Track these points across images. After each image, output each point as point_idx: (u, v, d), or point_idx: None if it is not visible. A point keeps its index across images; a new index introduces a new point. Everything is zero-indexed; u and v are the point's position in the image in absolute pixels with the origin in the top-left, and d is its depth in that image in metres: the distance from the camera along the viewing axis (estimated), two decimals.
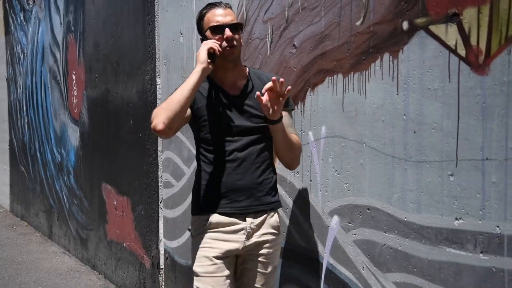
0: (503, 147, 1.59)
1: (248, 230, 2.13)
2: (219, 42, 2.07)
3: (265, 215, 2.16)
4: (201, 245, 2.14)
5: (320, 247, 2.31)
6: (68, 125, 5.50)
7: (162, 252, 3.69)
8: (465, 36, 1.68)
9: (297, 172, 2.43)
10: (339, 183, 2.21)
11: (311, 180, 2.36)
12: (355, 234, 2.13)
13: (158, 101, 3.62)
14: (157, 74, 3.63)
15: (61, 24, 5.58)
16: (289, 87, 2.05)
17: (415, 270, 1.88)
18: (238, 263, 2.20)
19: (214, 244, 2.12)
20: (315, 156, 2.33)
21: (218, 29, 2.08)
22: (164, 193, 3.64)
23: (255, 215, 2.14)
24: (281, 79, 1.98)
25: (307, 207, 2.37)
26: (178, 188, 3.44)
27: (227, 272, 2.12)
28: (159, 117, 2.00)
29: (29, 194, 6.97)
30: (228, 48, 2.08)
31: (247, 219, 2.13)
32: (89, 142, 4.94)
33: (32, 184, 6.87)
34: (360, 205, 2.11)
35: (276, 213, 2.20)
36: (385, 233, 2.00)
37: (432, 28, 1.79)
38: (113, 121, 4.38)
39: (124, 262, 4.30)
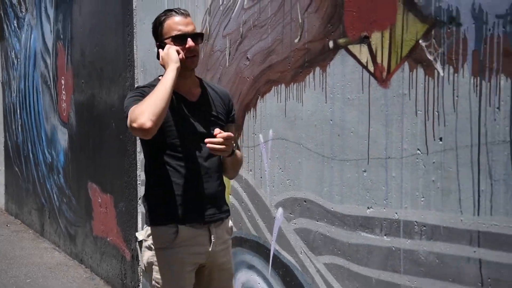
0: (399, 147, 1.92)
1: (213, 240, 2.12)
2: (181, 51, 2.05)
3: (223, 223, 2.18)
4: (167, 259, 2.08)
5: (268, 236, 2.64)
6: (57, 127, 5.82)
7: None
8: (373, 55, 2.02)
9: (251, 170, 2.75)
10: (282, 179, 2.54)
11: (261, 177, 2.68)
12: (295, 223, 2.46)
13: None
14: (135, 80, 3.95)
15: (51, 32, 5.90)
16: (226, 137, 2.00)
17: (339, 252, 2.21)
18: (205, 274, 2.18)
19: (182, 258, 2.08)
20: (264, 156, 2.65)
21: (180, 39, 2.05)
22: (142, 191, 3.96)
23: (215, 223, 2.15)
24: (222, 135, 1.99)
25: (258, 200, 2.70)
26: None
27: (191, 284, 2.13)
28: (145, 116, 1.89)
29: (23, 193, 7.28)
30: (189, 58, 2.06)
31: (210, 228, 2.13)
32: (77, 143, 5.26)
33: (25, 183, 7.19)
34: (299, 198, 2.44)
35: (228, 219, 2.24)
36: (317, 221, 2.32)
37: (350, 47, 2.12)
38: (98, 124, 4.70)
39: (107, 255, 4.62)
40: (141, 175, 3.95)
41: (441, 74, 1.76)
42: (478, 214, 1.67)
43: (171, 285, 2.09)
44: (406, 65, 1.89)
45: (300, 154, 2.42)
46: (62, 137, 5.68)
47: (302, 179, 2.41)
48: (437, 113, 1.79)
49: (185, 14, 2.12)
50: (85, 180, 5.06)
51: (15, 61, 7.39)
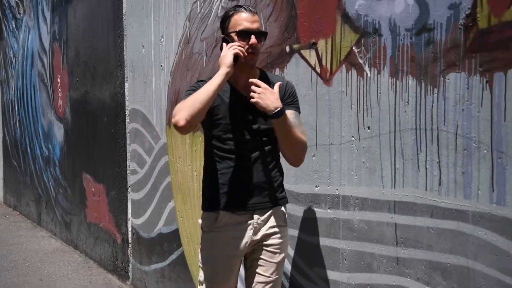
0: (339, 135, 2.33)
1: (255, 225, 2.19)
2: (243, 47, 2.11)
3: (270, 211, 2.23)
4: (209, 242, 2.23)
5: None
6: (54, 122, 6.20)
7: (130, 228, 4.41)
8: (319, 59, 2.41)
9: None
10: None
11: None
12: None
13: (126, 102, 4.33)
14: (125, 79, 4.34)
15: (48, 33, 6.28)
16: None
17: (294, 225, 2.61)
18: (247, 254, 2.25)
19: (222, 242, 2.19)
20: None
21: (244, 34, 2.11)
22: (131, 179, 4.36)
23: (261, 211, 2.20)
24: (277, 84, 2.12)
25: None
26: (142, 175, 4.16)
27: (235, 269, 2.23)
28: (182, 114, 2.01)
29: (21, 186, 7.66)
30: (250, 53, 2.12)
31: (254, 215, 2.19)
32: (72, 137, 5.65)
33: (23, 176, 7.57)
34: None
35: (282, 207, 2.29)
36: None
37: (302, 52, 2.52)
38: (91, 119, 5.09)
39: (100, 240, 5.02)
40: (130, 165, 4.35)
41: (369, 75, 2.16)
42: (394, 187, 2.07)
43: (207, 265, 2.23)
44: (343, 67, 2.29)
45: None
46: (58, 132, 6.06)
47: None
48: (366, 107, 2.19)
49: (253, 12, 2.16)
50: (80, 171, 5.45)
51: (13, 60, 7.76)
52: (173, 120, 2.04)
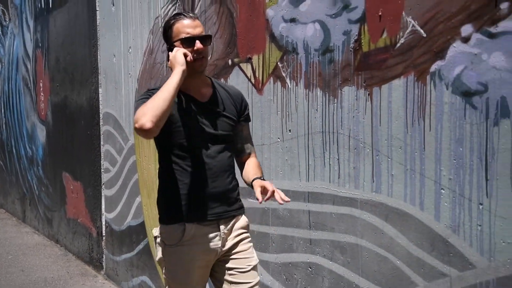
0: (269, 137, 2.74)
1: (223, 236, 2.16)
2: (189, 53, 2.08)
3: (234, 220, 2.21)
4: (176, 256, 2.14)
5: None
6: (37, 125, 6.58)
7: (103, 222, 4.80)
8: (254, 71, 2.82)
9: None
10: None
11: None
12: None
13: (100, 106, 4.72)
14: (99, 85, 4.73)
15: (31, 40, 6.65)
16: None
17: None
18: (219, 266, 2.20)
19: (191, 256, 2.12)
20: None
21: (188, 41, 2.08)
22: (104, 177, 4.75)
23: (225, 220, 2.17)
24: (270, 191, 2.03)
25: None
26: (114, 173, 4.55)
27: (204, 282, 2.18)
28: (146, 116, 1.91)
29: (6, 185, 8.03)
30: (197, 59, 2.09)
31: (220, 226, 2.16)
32: (53, 139, 6.02)
33: (9, 176, 7.93)
34: None
35: (243, 216, 2.28)
36: None
37: (241, 65, 2.92)
38: (70, 121, 5.47)
39: (78, 234, 5.40)
40: (104, 164, 4.74)
41: (289, 86, 2.57)
42: (308, 181, 2.48)
43: (178, 280, 2.14)
44: (271, 79, 2.70)
45: None
46: (41, 133, 6.44)
47: None
48: (287, 113, 2.60)
49: (193, 17, 2.13)
50: (60, 171, 5.83)
51: (0, 65, 8.13)
52: (136, 125, 1.93)
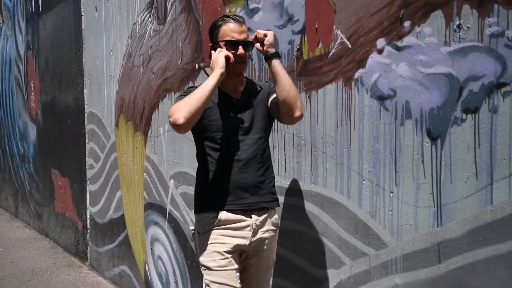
0: None
1: (254, 227, 2.22)
2: (231, 55, 2.18)
3: (267, 214, 2.27)
4: (210, 241, 2.20)
5: (165, 199, 3.71)
6: (28, 123, 6.85)
7: (88, 216, 5.07)
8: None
9: (155, 153, 3.82)
10: (173, 159, 3.61)
11: (162, 158, 3.75)
12: (180, 189, 3.54)
13: (85, 106, 4.99)
14: (84, 86, 5.00)
15: (23, 42, 6.92)
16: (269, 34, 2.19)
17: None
18: (242, 259, 2.28)
19: (223, 240, 2.19)
20: (163, 143, 3.72)
21: (232, 44, 2.18)
22: (89, 173, 5.02)
23: (258, 212, 2.23)
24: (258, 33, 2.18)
25: (160, 174, 3.77)
26: (97, 169, 4.83)
27: (236, 266, 2.20)
28: (180, 112, 2.03)
29: (0, 181, 8.30)
30: (238, 63, 2.21)
31: (252, 216, 2.22)
32: (43, 137, 6.29)
33: (2, 173, 8.20)
34: (182, 171, 3.51)
35: (275, 211, 2.35)
36: (190, 186, 3.40)
37: (206, 69, 3.19)
38: (58, 120, 5.74)
39: (66, 227, 5.67)
40: (88, 161, 5.01)
41: None
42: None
43: (213, 263, 2.19)
44: None
45: (182, 141, 3.49)
46: (32, 132, 6.71)
47: (184, 159, 3.48)
48: None
49: (241, 22, 2.23)
50: (49, 167, 6.10)
51: None
52: (170, 119, 2.06)
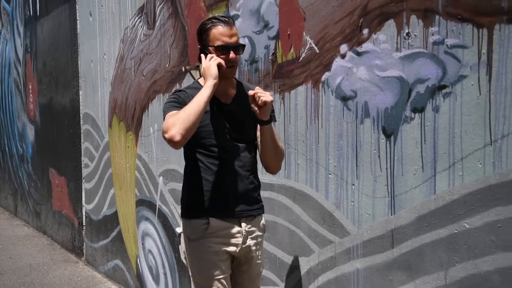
0: None
1: (244, 233, 2.22)
2: (222, 60, 2.14)
3: (255, 219, 2.28)
4: (203, 249, 2.19)
5: (155, 196, 3.90)
6: (27, 124, 7.04)
7: (84, 213, 5.26)
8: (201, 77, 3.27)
9: (146, 152, 4.01)
10: (162, 157, 3.80)
11: (152, 156, 3.94)
12: (168, 186, 3.72)
13: (80, 107, 5.18)
14: (79, 88, 5.19)
15: (21, 45, 7.12)
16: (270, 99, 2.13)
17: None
18: (233, 265, 2.28)
19: (215, 248, 2.19)
20: (153, 142, 3.91)
21: (223, 49, 2.14)
22: (84, 172, 5.21)
23: (247, 219, 2.24)
24: (250, 92, 2.14)
25: (150, 172, 3.96)
26: (92, 168, 5.02)
27: (228, 272, 2.23)
28: (176, 128, 1.99)
29: (0, 181, 8.50)
30: (228, 67, 2.16)
31: (241, 223, 2.22)
32: (40, 137, 6.49)
33: (2, 173, 8.39)
34: (170, 169, 3.70)
35: (261, 216, 2.35)
36: (178, 182, 3.59)
37: (192, 71, 3.38)
38: (55, 121, 5.94)
39: (63, 225, 5.87)
40: (84, 160, 5.20)
41: None
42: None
43: (204, 272, 2.19)
44: None
45: None
46: (30, 132, 6.90)
47: (172, 157, 3.67)
48: None
49: (230, 24, 2.17)
50: (47, 167, 6.30)
51: None
52: (166, 135, 2.01)
